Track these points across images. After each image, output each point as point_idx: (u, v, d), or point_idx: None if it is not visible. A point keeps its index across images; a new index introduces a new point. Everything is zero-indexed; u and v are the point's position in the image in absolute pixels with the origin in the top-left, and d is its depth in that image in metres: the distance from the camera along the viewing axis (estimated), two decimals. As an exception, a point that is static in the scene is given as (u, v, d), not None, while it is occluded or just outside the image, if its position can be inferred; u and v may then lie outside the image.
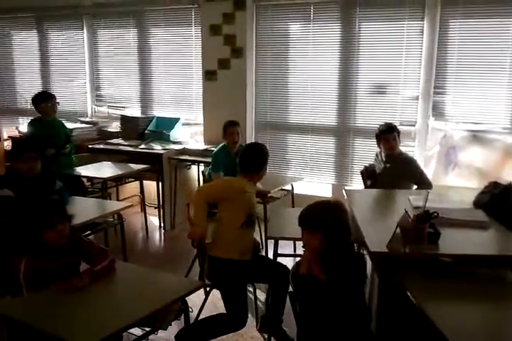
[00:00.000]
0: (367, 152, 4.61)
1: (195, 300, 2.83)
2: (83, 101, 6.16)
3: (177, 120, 5.41)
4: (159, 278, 2.37)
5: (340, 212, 2.18)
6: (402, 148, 3.99)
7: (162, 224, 5.04)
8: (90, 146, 5.19)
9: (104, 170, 4.56)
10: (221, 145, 4.39)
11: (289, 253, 3.46)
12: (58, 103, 4.55)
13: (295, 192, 4.29)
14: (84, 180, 4.56)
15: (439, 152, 4.38)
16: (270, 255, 3.25)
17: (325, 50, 4.76)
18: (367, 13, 4.54)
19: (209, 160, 4.49)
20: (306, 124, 4.97)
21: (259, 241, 3.77)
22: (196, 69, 5.35)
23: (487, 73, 4.18)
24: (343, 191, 3.55)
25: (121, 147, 5.14)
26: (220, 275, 2.79)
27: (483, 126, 4.21)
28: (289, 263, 2.93)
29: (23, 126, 5.81)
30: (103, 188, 4.36)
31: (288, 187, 4.26)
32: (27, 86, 6.51)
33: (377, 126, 3.98)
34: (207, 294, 2.93)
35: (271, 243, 3.26)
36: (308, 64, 4.86)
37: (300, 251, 2.34)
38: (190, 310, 2.34)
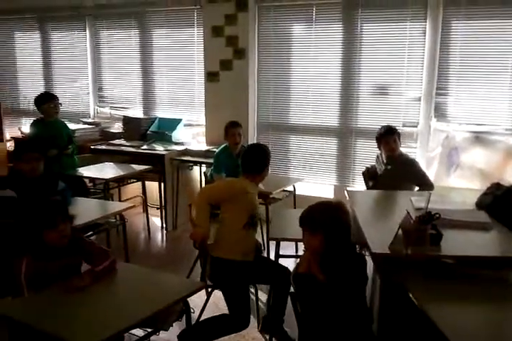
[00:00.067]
0: (369, 153, 4.60)
1: (196, 300, 2.83)
2: (85, 102, 6.18)
3: (179, 121, 5.42)
4: (161, 279, 2.37)
5: (341, 213, 2.18)
6: (404, 149, 3.99)
7: (164, 225, 5.04)
8: (92, 147, 5.20)
9: (107, 170, 4.57)
10: (223, 146, 4.39)
11: (290, 255, 3.46)
12: (61, 104, 4.57)
13: (297, 193, 4.30)
14: (87, 180, 4.57)
15: (441, 153, 4.37)
16: (272, 256, 3.24)
17: (327, 51, 4.76)
18: (369, 14, 4.53)
19: (211, 161, 4.49)
20: (308, 125, 4.97)
21: (261, 242, 3.77)
22: (198, 71, 5.35)
23: (489, 74, 4.17)
24: (345, 192, 3.56)
25: (123, 148, 5.15)
26: (222, 276, 2.79)
27: (486, 128, 4.20)
28: (290, 264, 2.93)
29: (26, 126, 5.82)
30: (105, 189, 4.37)
31: (290, 188, 4.27)
32: (29, 87, 6.53)
33: (379, 127, 3.98)
34: (208, 295, 2.93)
35: (273, 244, 3.26)
36: (310, 65, 4.85)
37: (302, 252, 2.34)
38: (192, 310, 2.34)
